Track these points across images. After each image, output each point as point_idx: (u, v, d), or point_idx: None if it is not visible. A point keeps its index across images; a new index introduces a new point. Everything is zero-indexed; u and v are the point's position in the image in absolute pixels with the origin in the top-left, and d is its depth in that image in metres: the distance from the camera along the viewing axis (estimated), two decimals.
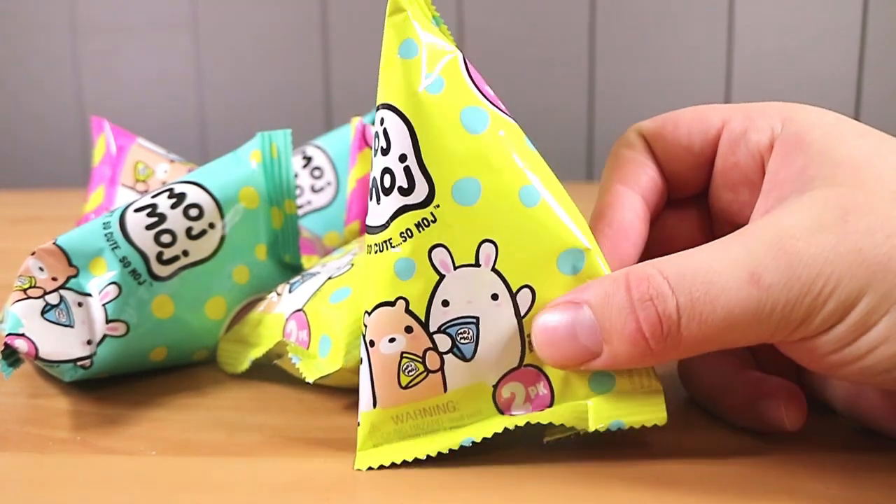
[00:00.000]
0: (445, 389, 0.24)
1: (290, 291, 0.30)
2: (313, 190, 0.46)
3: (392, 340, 0.24)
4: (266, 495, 0.22)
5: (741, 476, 0.22)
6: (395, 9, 0.24)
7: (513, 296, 0.23)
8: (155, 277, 0.29)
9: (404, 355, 0.24)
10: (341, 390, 0.29)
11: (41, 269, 0.28)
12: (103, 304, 0.28)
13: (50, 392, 0.29)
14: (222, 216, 0.31)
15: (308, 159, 0.47)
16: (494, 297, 0.23)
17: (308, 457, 0.24)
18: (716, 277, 0.20)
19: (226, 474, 0.23)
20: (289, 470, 0.23)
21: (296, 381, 0.29)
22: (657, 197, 0.26)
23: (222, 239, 0.30)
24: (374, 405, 0.24)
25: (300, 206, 0.45)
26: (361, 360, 0.25)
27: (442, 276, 0.23)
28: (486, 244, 0.23)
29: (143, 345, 0.29)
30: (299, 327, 0.28)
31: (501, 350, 0.23)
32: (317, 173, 0.47)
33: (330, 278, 0.29)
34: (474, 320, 0.23)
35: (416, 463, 0.23)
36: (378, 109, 0.24)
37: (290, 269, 0.34)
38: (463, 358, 0.23)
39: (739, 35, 0.82)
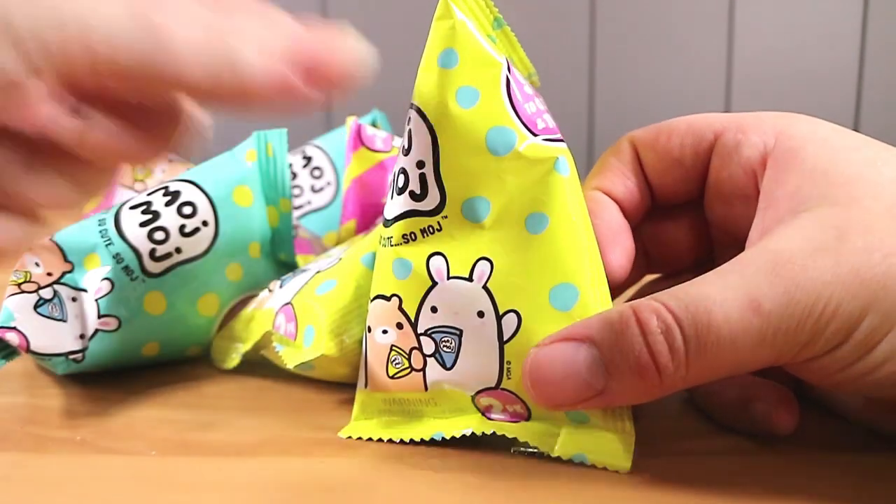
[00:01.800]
0: (426, 389, 0.24)
1: (280, 287, 0.30)
2: (313, 190, 0.46)
3: (385, 332, 0.24)
4: (266, 495, 0.22)
5: (742, 477, 0.22)
6: (443, 13, 0.23)
7: (498, 317, 0.23)
8: (147, 274, 0.29)
9: (393, 348, 0.24)
10: (340, 389, 0.29)
11: (37, 264, 0.29)
12: (96, 300, 0.29)
13: (50, 392, 0.29)
14: (216, 214, 0.31)
15: (308, 159, 0.47)
16: (480, 314, 0.23)
17: (308, 456, 0.24)
18: (716, 307, 0.20)
19: (225, 474, 0.23)
20: (288, 470, 0.23)
21: (295, 381, 0.29)
22: (634, 207, 0.26)
23: (215, 237, 0.31)
24: (366, 386, 0.25)
25: (300, 206, 0.45)
26: (362, 342, 0.25)
27: (434, 283, 0.23)
28: (483, 261, 0.23)
29: (135, 340, 0.30)
30: (287, 320, 0.28)
31: (479, 368, 0.23)
32: (317, 173, 0.47)
33: (318, 272, 0.29)
34: (458, 332, 0.23)
35: (414, 460, 0.23)
36: (411, 107, 0.24)
37: (284, 267, 0.34)
38: (443, 366, 0.24)
39: (739, 35, 0.82)
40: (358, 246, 0.29)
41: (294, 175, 0.47)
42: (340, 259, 0.29)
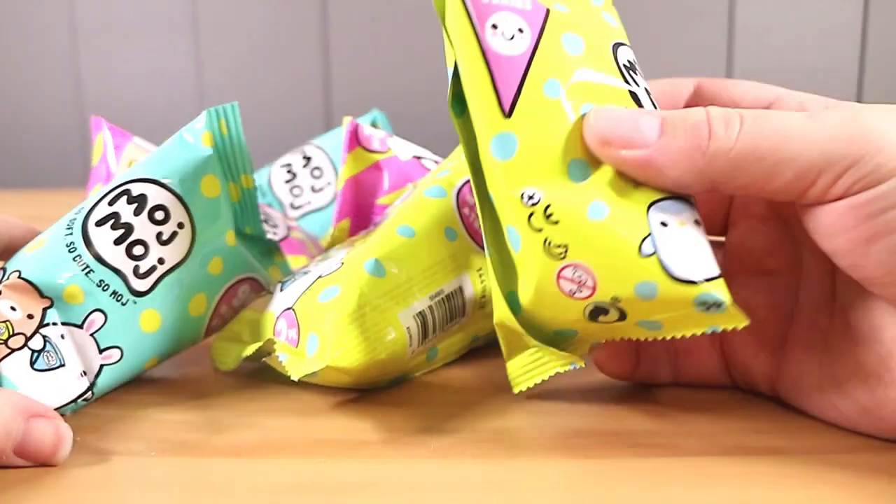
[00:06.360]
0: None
1: (281, 290, 0.30)
2: (313, 190, 0.46)
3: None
4: (266, 496, 0.22)
5: (742, 477, 0.22)
6: None
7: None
8: (136, 294, 0.28)
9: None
10: (341, 389, 0.29)
11: (13, 308, 0.26)
12: (91, 335, 0.27)
13: None
14: (189, 213, 0.29)
15: (308, 159, 0.47)
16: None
17: (307, 457, 0.24)
18: (774, 115, 0.22)
19: (225, 475, 0.23)
20: (288, 470, 0.23)
21: (293, 382, 0.29)
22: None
23: (193, 238, 0.29)
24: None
25: (300, 206, 0.45)
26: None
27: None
28: None
29: (137, 361, 0.29)
30: (289, 326, 0.28)
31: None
32: (317, 173, 0.47)
33: (320, 277, 0.29)
34: None
35: (417, 457, 0.24)
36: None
37: (262, 244, 0.33)
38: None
39: (739, 35, 0.82)
40: (359, 251, 0.29)
41: (294, 175, 0.47)
42: (342, 264, 0.29)
